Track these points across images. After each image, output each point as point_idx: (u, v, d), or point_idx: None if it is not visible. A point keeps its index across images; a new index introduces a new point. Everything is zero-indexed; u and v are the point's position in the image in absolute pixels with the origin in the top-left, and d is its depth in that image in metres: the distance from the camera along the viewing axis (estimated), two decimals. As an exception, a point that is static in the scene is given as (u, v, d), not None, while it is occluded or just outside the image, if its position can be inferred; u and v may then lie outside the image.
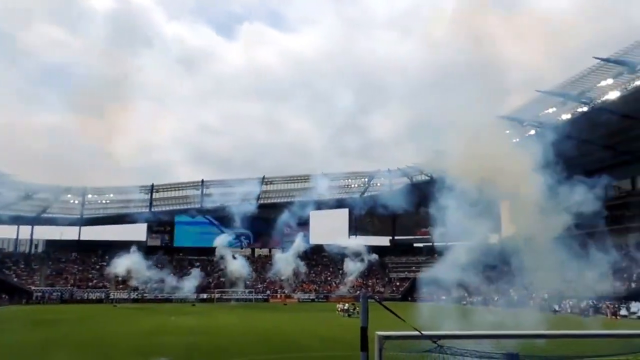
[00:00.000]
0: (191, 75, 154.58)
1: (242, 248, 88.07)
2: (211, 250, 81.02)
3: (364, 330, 4.88)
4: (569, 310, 49.58)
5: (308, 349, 19.63)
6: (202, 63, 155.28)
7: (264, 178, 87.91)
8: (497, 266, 75.71)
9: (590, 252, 46.92)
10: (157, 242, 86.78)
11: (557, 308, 51.33)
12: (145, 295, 72.82)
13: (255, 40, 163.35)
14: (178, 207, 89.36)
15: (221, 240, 77.50)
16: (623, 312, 44.15)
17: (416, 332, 4.85)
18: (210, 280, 79.91)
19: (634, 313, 43.13)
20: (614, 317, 43.35)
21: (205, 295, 74.50)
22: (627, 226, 55.51)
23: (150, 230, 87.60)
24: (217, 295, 74.80)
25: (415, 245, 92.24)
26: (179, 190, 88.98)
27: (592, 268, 52.97)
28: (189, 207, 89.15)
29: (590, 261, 51.75)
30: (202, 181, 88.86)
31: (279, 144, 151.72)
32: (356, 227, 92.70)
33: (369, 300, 5.36)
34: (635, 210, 54.72)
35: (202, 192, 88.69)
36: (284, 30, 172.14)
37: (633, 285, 48.20)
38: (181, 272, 79.08)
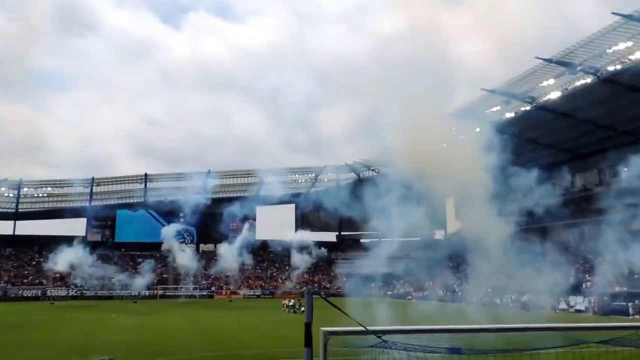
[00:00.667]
0: (135, 66, 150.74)
1: (185, 244, 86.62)
2: (154, 246, 79.35)
3: (308, 326, 4.86)
4: (510, 304, 51.02)
5: (252, 346, 19.37)
6: (146, 53, 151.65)
7: (209, 172, 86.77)
8: (442, 261, 77.57)
9: (534, 247, 48.56)
10: (98, 237, 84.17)
11: (499, 302, 52.76)
12: (84, 292, 70.69)
13: (202, 30, 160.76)
14: (120, 201, 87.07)
15: (169, 231, 76.10)
16: (562, 305, 45.71)
17: (361, 328, 4.90)
18: (154, 276, 78.25)
19: (573, 307, 44.73)
20: (553, 310, 44.89)
21: (147, 293, 72.89)
22: (584, 220, 56.94)
23: (90, 225, 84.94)
24: (160, 292, 73.33)
25: (362, 240, 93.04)
26: (121, 183, 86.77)
27: (533, 263, 54.80)
28: (131, 201, 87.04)
29: (533, 256, 53.52)
30: (146, 175, 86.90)
31: (226, 138, 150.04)
32: (303, 222, 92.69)
33: (314, 296, 5.31)
34: (595, 203, 55.98)
35: (145, 185, 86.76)
36: (232, 21, 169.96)
37: (572, 279, 49.99)
38: (122, 268, 77.14)
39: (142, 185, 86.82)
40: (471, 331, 7.58)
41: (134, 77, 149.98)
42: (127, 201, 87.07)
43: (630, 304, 38.23)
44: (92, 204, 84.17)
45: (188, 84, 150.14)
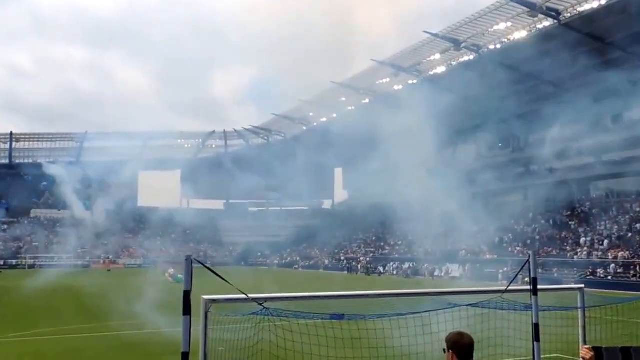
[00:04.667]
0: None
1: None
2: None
3: (186, 294, 4.86)
4: (394, 273, 53.71)
5: (131, 316, 18.99)
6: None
7: (87, 133, 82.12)
8: (329, 230, 79.61)
9: (416, 216, 51.21)
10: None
11: (382, 270, 55.37)
12: None
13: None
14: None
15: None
16: (437, 273, 48.93)
17: (242, 295, 5.05)
18: (21, 244, 73.80)
19: (448, 274, 48.02)
20: (430, 277, 47.96)
21: (14, 262, 68.79)
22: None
23: None
24: (29, 262, 69.34)
25: (250, 209, 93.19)
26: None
27: (413, 232, 57.74)
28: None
29: (413, 225, 56.36)
30: (11, 134, 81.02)
31: (106, 96, 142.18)
32: (189, 189, 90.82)
33: (196, 265, 5.35)
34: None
35: (10, 146, 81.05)
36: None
37: (449, 247, 53.50)
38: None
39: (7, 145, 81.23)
40: (351, 297, 8.08)
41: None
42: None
43: (500, 271, 41.66)
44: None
45: (62, 33, 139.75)
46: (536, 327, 6.19)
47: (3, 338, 15.49)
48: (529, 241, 46.29)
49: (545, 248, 44.32)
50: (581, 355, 4.07)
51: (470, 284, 38.75)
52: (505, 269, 41.52)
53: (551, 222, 48.81)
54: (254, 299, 5.14)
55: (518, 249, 45.82)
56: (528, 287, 6.37)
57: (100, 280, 38.15)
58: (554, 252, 43.38)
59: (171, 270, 46.75)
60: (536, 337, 6.13)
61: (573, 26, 43.15)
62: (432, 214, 56.87)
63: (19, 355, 13.52)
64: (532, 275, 6.32)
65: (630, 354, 4.14)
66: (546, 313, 7.74)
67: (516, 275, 8.18)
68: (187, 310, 4.83)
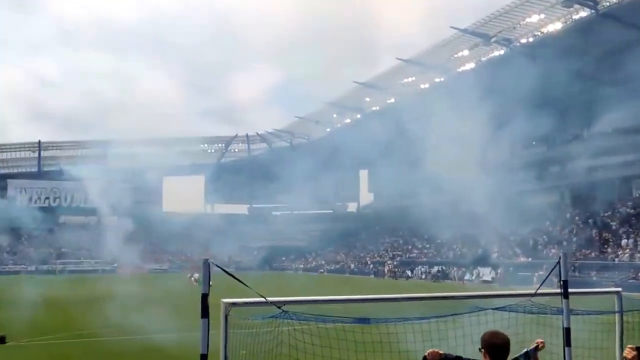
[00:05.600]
0: (24, 18, 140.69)
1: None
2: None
3: (204, 297, 5.07)
4: (422, 277, 52.89)
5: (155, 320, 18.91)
6: (37, 3, 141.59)
7: (112, 141, 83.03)
8: (354, 234, 78.90)
9: (445, 218, 50.23)
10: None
11: (409, 274, 54.56)
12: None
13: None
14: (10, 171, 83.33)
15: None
16: (468, 277, 47.97)
17: (261, 299, 5.16)
18: (51, 250, 74.98)
19: (480, 277, 47.00)
20: (460, 281, 47.02)
21: (46, 267, 70.08)
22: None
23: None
24: (59, 267, 70.59)
25: (274, 213, 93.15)
26: (10, 151, 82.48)
27: (444, 235, 56.73)
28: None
29: (444, 228, 55.35)
30: (39, 142, 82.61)
31: (129, 103, 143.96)
32: (213, 194, 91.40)
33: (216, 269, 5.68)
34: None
35: (39, 154, 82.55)
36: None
37: (480, 251, 52.46)
38: (17, 240, 74.14)
39: (35, 154, 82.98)
40: (372, 300, 7.95)
41: (23, 30, 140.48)
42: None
43: (535, 274, 40.52)
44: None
45: (86, 42, 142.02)
46: (567, 331, 6.12)
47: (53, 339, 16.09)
48: (565, 243, 44.98)
49: (583, 250, 43.05)
50: (624, 354, 4.10)
51: (503, 289, 37.81)
52: (541, 272, 40.33)
53: (590, 222, 47.39)
54: (273, 302, 5.29)
55: (554, 251, 44.50)
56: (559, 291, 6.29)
57: (128, 286, 38.27)
58: (593, 255, 42.07)
59: (196, 275, 46.87)
60: (567, 342, 6.08)
61: (613, 15, 41.61)
62: (461, 215, 56.00)
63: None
64: (562, 278, 6.24)
65: None
66: (580, 318, 7.52)
67: (546, 278, 7.98)
68: (205, 313, 5.08)
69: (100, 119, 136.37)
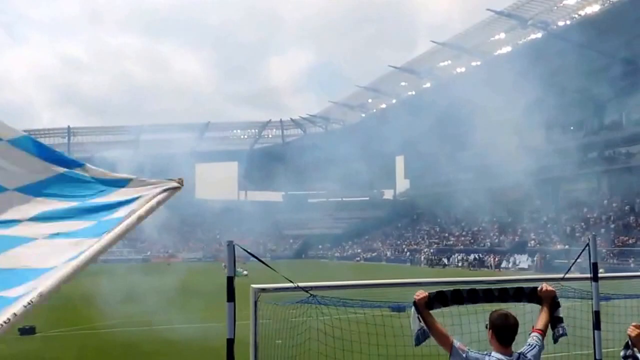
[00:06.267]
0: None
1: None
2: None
3: (230, 280, 5.04)
4: (458, 265, 53.70)
5: (187, 307, 19.85)
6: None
7: (143, 126, 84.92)
8: (390, 221, 79.84)
9: (482, 206, 50.81)
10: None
11: (446, 262, 55.43)
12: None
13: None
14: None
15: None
16: (505, 264, 48.70)
17: (290, 284, 5.18)
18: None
19: (516, 265, 47.74)
20: (497, 269, 47.80)
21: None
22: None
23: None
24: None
25: (309, 200, 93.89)
26: (40, 137, 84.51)
27: (481, 223, 57.43)
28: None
29: (481, 216, 56.03)
30: (69, 128, 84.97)
31: (161, 86, 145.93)
32: (246, 181, 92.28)
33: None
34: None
35: (69, 140, 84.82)
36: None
37: (517, 238, 53.10)
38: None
39: (65, 140, 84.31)
40: (401, 285, 7.71)
41: (50, 11, 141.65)
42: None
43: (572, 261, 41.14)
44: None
45: (117, 22, 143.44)
46: (597, 314, 6.14)
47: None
48: (603, 230, 45.37)
49: (620, 237, 43.38)
50: (628, 332, 4.08)
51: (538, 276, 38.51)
52: (579, 260, 40.98)
53: (627, 209, 47.63)
54: (302, 288, 5.28)
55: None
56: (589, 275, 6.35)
57: (161, 276, 39.55)
58: (630, 242, 42.46)
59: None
60: (596, 326, 6.08)
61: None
62: (499, 202, 56.49)
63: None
64: (592, 261, 6.29)
65: None
66: (615, 302, 7.80)
67: (574, 261, 7.63)
68: (231, 296, 5.01)
69: (130, 104, 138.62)
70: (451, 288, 4.58)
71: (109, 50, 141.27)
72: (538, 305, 4.46)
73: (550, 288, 4.47)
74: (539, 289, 4.46)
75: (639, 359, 3.91)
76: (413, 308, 4.20)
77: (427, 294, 4.21)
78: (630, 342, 3.99)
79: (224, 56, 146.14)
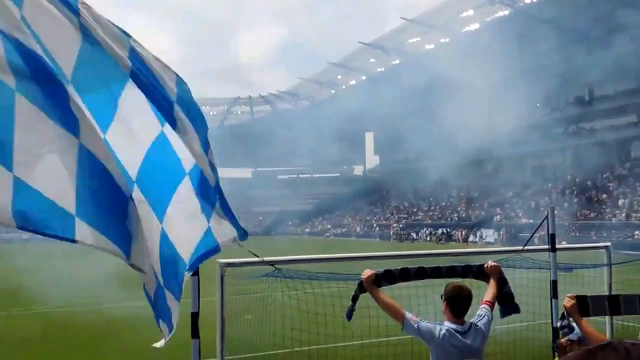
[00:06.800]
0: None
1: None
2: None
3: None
4: (427, 239, 54.49)
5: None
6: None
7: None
8: (360, 197, 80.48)
9: (450, 182, 51.50)
10: None
11: (415, 236, 56.27)
12: None
13: None
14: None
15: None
16: (472, 238, 49.75)
17: (257, 259, 5.13)
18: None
19: (483, 239, 48.80)
20: (464, 242, 48.79)
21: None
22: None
23: None
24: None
25: (279, 177, 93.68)
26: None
27: (448, 197, 58.27)
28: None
29: (448, 190, 56.88)
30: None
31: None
32: (215, 158, 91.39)
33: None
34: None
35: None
36: None
37: (483, 213, 54.19)
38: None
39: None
40: (367, 258, 7.80)
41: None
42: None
43: (537, 235, 42.18)
44: None
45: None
46: (554, 283, 6.32)
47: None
48: (566, 204, 46.58)
49: (583, 211, 44.57)
50: (564, 303, 4.16)
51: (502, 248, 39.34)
52: (542, 232, 42.03)
53: (589, 184, 48.91)
54: (268, 262, 5.29)
55: (555, 212, 46.05)
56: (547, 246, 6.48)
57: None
58: (592, 215, 43.71)
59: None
60: (554, 294, 6.24)
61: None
62: (466, 178, 57.39)
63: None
64: (549, 232, 6.44)
65: (618, 302, 4.22)
66: (573, 273, 7.98)
67: (533, 233, 7.94)
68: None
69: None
70: (416, 263, 4.75)
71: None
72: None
73: (495, 264, 4.63)
74: (485, 265, 4.60)
75: (574, 328, 4.04)
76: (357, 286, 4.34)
77: (373, 272, 4.33)
78: (565, 313, 4.13)
79: (192, 32, 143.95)
